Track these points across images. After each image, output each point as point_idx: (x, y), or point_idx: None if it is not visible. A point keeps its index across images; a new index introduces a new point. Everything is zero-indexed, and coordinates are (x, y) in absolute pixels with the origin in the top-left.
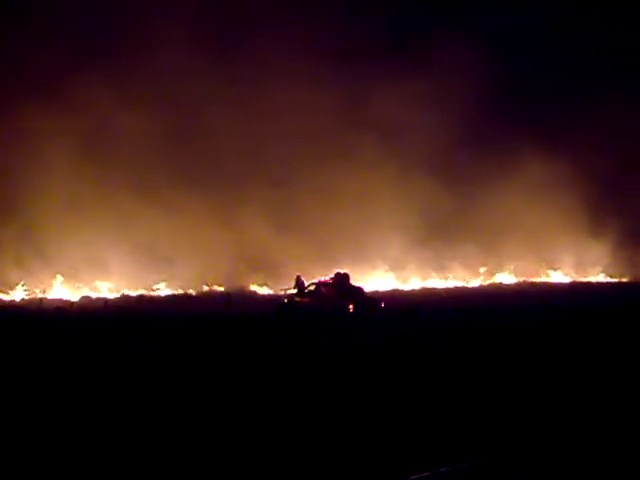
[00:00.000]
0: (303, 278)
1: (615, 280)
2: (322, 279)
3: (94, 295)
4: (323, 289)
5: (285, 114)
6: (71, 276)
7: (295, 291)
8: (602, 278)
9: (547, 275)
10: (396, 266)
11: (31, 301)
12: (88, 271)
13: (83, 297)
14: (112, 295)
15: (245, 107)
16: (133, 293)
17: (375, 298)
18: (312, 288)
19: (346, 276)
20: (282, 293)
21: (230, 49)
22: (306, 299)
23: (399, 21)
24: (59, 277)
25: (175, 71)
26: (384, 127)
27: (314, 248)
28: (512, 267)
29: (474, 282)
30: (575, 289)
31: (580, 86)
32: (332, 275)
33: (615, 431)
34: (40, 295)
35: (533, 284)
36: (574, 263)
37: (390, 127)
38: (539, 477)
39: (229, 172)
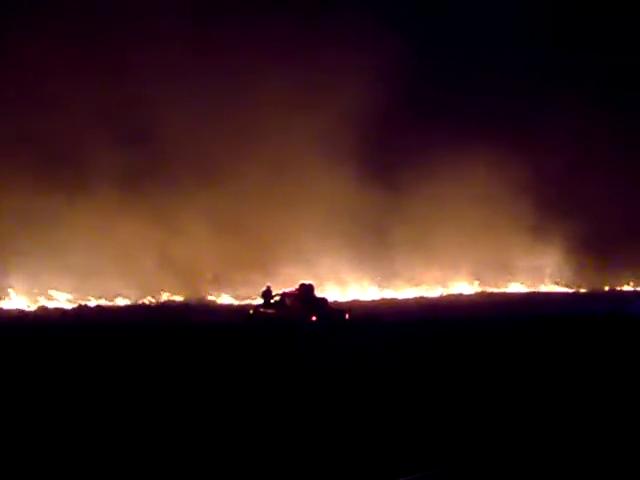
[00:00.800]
0: (272, 288)
1: (572, 290)
2: (287, 290)
3: (51, 305)
4: (287, 300)
5: (223, 112)
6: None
7: (262, 301)
8: (559, 288)
9: (505, 285)
10: (339, 277)
11: None
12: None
13: (40, 307)
14: (70, 305)
15: (183, 106)
16: (91, 303)
17: (340, 309)
18: (277, 299)
19: (311, 287)
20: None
21: (176, 49)
22: (271, 310)
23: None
24: None
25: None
26: (311, 126)
27: (254, 252)
28: (470, 275)
29: (433, 292)
30: (535, 300)
31: (531, 87)
32: (297, 286)
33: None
34: None
35: (492, 294)
36: (526, 271)
37: (319, 125)
38: None
39: (167, 174)
